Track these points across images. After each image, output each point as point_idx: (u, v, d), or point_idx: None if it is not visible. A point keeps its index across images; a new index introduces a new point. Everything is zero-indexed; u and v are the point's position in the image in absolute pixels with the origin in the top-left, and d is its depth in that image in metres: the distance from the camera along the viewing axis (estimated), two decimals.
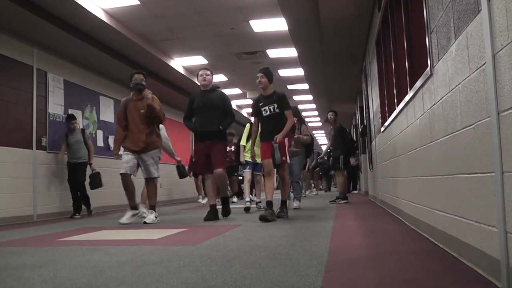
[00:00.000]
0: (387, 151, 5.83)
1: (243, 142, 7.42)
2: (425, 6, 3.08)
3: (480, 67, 1.98)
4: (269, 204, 5.16)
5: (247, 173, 7.43)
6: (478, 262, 2.15)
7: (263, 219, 4.94)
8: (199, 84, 5.75)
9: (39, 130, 7.20)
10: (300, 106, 17.01)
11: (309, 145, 7.46)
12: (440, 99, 2.73)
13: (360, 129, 11.43)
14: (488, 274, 2.00)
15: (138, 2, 6.86)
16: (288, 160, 5.31)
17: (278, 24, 8.06)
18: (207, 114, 5.50)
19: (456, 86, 2.37)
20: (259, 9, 7.49)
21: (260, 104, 5.39)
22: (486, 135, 1.93)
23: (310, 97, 14.67)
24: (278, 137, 5.09)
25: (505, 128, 1.74)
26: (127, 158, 5.46)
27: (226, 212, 5.76)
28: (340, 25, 7.29)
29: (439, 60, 2.74)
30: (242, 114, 16.13)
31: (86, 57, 8.16)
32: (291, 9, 7.01)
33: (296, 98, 15.27)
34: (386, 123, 5.69)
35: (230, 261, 2.56)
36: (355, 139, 14.46)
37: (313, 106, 16.45)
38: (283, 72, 11.72)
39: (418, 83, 3.41)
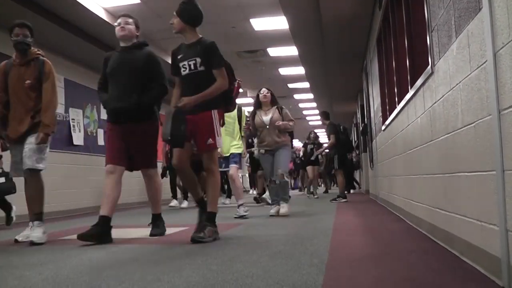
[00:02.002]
0: (388, 150, 5.82)
1: None
2: (426, 4, 3.08)
3: (481, 65, 1.98)
4: (209, 216, 3.55)
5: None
6: (479, 260, 2.15)
7: (195, 240, 3.32)
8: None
9: None
10: (301, 105, 17.06)
11: (291, 134, 6.60)
12: (441, 98, 2.73)
13: (361, 128, 11.41)
14: (489, 273, 2.00)
15: (139, 1, 6.86)
16: (220, 145, 3.61)
17: (279, 22, 8.05)
18: (122, 83, 3.75)
19: (457, 84, 2.36)
20: (260, 7, 7.48)
21: (179, 58, 3.60)
22: (487, 133, 1.93)
23: (311, 95, 14.67)
24: (186, 100, 3.36)
25: (506, 126, 1.73)
26: (13, 152, 3.80)
27: (156, 231, 3.97)
28: (341, 23, 7.27)
29: (440, 58, 2.74)
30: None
31: (87, 55, 8.15)
32: (292, 8, 7.00)
33: (296, 96, 15.28)
34: (387, 122, 5.68)
35: (231, 260, 2.56)
36: (355, 138, 14.47)
37: (314, 105, 16.45)
38: (284, 71, 11.72)
39: (419, 82, 3.41)
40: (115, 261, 2.66)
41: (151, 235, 3.90)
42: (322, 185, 16.05)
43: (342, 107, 14.60)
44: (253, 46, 9.55)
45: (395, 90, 4.93)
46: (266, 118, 5.64)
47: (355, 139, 14.29)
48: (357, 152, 13.26)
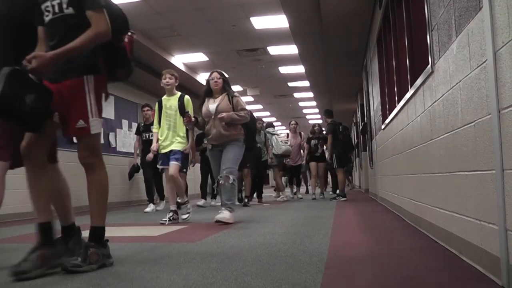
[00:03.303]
0: (388, 149, 5.82)
1: (155, 127, 5.18)
2: (426, 3, 3.08)
3: (481, 64, 1.98)
4: (94, 233, 2.47)
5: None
6: (478, 259, 2.15)
7: (68, 269, 2.26)
8: None
9: None
10: (301, 103, 17.06)
11: (251, 129, 5.42)
12: (441, 97, 2.73)
13: (360, 127, 11.37)
14: (488, 272, 2.00)
15: None
16: (98, 129, 2.44)
17: (279, 21, 8.05)
18: None
19: (457, 83, 2.36)
20: (260, 6, 7.48)
21: None
22: (487, 132, 1.93)
23: (311, 94, 14.66)
24: (39, 57, 2.18)
25: (506, 125, 1.73)
26: None
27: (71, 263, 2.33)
28: (341, 22, 7.27)
29: (440, 58, 2.74)
30: None
31: None
32: (292, 6, 7.00)
33: (296, 95, 15.27)
34: (387, 121, 5.68)
35: (230, 258, 2.57)
36: (355, 137, 14.46)
37: (314, 103, 16.45)
38: (283, 69, 11.71)
39: (419, 81, 3.41)
40: (114, 259, 2.65)
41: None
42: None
43: (342, 106, 14.60)
44: (253, 44, 9.55)
45: (395, 89, 4.93)
46: (213, 106, 4.71)
47: (355, 138, 14.26)
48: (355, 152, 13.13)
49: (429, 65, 3.02)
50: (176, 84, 5.07)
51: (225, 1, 7.22)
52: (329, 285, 1.92)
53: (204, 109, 4.79)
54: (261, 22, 8.22)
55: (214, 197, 8.26)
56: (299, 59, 10.25)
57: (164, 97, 5.07)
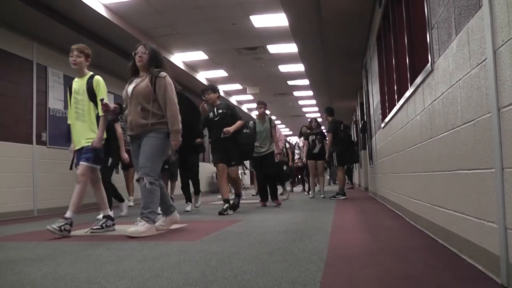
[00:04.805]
0: (387, 147, 5.82)
1: (69, 118, 4.26)
2: (426, 1, 3.07)
3: (481, 63, 1.98)
4: None
5: None
6: (477, 258, 2.16)
7: None
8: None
9: (39, 125, 7.19)
10: (300, 102, 17.06)
11: (195, 121, 5.06)
12: (441, 95, 2.73)
13: (360, 125, 11.35)
14: (487, 270, 2.00)
15: None
16: None
17: (278, 19, 8.05)
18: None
19: (457, 82, 2.36)
20: (259, 4, 7.47)
21: None
22: (487, 131, 1.93)
23: (310, 92, 14.66)
24: None
25: (506, 124, 1.73)
26: None
27: None
28: (340, 20, 7.26)
29: (439, 56, 2.74)
30: (242, 110, 16.12)
31: None
32: (292, 5, 6.99)
33: (296, 93, 15.27)
34: (387, 119, 5.68)
35: (230, 256, 2.57)
36: (355, 135, 14.46)
37: (314, 102, 16.45)
38: (283, 68, 11.71)
39: (418, 79, 3.41)
40: (113, 258, 2.66)
41: None
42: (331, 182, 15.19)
43: (341, 104, 14.60)
44: (253, 43, 9.55)
45: (395, 87, 4.93)
46: (131, 87, 3.87)
47: (354, 137, 14.25)
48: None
49: (429, 64, 3.02)
50: (88, 63, 4.05)
51: (224, 0, 7.22)
52: (328, 283, 1.93)
53: (124, 91, 3.99)
54: (261, 21, 8.22)
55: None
56: (299, 58, 10.25)
57: (75, 79, 4.10)
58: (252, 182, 9.57)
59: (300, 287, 1.85)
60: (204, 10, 7.61)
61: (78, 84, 4.02)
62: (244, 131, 6.07)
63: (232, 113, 5.99)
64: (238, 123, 5.90)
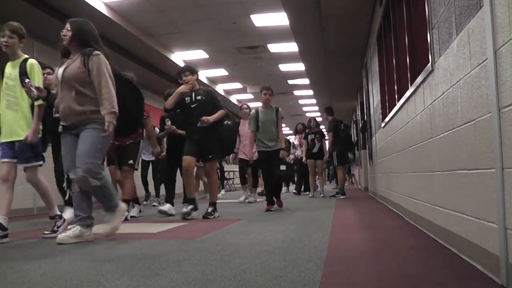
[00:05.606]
0: (387, 147, 5.82)
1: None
2: (427, 1, 3.07)
3: (482, 63, 1.98)
4: None
5: None
6: (477, 258, 2.16)
7: None
8: None
9: None
10: (300, 101, 17.06)
11: (136, 108, 4.69)
12: (441, 95, 2.73)
13: (360, 125, 11.35)
14: (487, 270, 2.00)
15: None
16: None
17: (279, 18, 8.05)
18: None
19: (457, 82, 2.36)
20: (260, 3, 7.47)
21: None
22: (487, 131, 1.93)
23: (310, 92, 14.66)
24: None
25: (506, 124, 1.73)
26: None
27: None
28: (341, 20, 7.27)
29: (440, 56, 2.74)
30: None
31: None
32: (292, 4, 6.99)
33: (296, 93, 15.27)
34: (387, 119, 5.68)
35: (230, 256, 2.57)
36: (355, 135, 14.46)
37: (314, 101, 16.45)
38: (284, 67, 11.71)
39: (419, 79, 3.41)
40: (113, 256, 2.66)
41: None
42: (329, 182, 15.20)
43: (342, 104, 14.60)
44: (253, 42, 9.55)
45: (395, 87, 4.93)
46: (61, 70, 3.39)
47: (354, 136, 14.26)
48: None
49: (429, 64, 3.02)
50: (22, 44, 3.61)
51: None
52: (328, 283, 1.93)
53: (53, 75, 3.63)
54: (261, 20, 8.22)
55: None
56: (299, 57, 10.25)
57: (8, 63, 3.64)
58: (255, 185, 8.30)
59: (300, 286, 1.85)
60: (205, 9, 7.61)
61: (10, 68, 3.57)
62: (225, 122, 5.23)
63: (213, 101, 5.10)
64: (219, 112, 5.04)
